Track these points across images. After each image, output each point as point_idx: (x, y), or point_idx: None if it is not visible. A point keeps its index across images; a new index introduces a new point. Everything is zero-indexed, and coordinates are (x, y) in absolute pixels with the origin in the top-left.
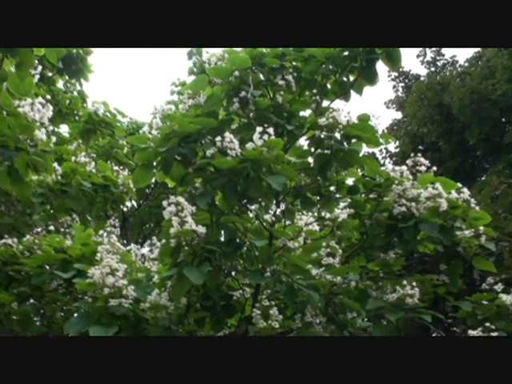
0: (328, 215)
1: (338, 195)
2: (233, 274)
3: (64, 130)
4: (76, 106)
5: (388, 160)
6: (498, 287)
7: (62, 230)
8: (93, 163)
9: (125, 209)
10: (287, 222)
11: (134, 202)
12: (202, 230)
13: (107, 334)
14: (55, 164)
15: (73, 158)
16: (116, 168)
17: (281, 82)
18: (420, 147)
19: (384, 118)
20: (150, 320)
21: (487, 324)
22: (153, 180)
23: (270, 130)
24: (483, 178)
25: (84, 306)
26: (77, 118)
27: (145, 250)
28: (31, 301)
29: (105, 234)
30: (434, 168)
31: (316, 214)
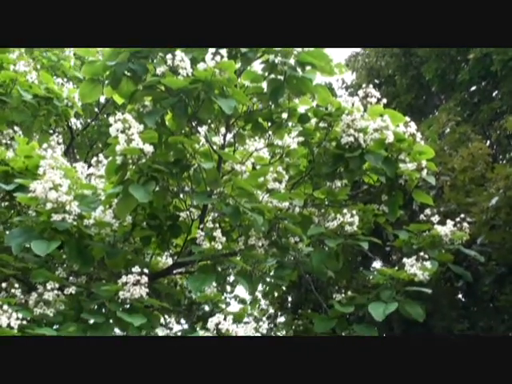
0: (278, 142)
1: (289, 122)
2: (180, 195)
3: None
4: None
5: (344, 91)
6: (435, 219)
7: (4, 141)
8: (34, 73)
9: (73, 127)
10: (238, 147)
11: (82, 121)
12: (149, 148)
13: (49, 249)
14: None
15: (12, 67)
16: (60, 80)
17: None
18: (376, 80)
19: (343, 48)
20: (94, 236)
21: (421, 253)
22: (103, 99)
23: (223, 52)
24: (436, 115)
25: (26, 220)
26: None
27: (92, 169)
28: None
29: (49, 149)
30: (385, 100)
31: (267, 140)
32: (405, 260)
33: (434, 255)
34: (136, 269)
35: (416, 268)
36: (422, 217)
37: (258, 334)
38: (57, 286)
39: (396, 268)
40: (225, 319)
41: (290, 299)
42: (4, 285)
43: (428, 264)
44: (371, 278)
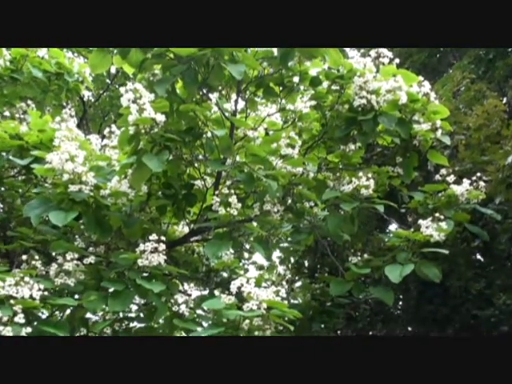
0: (290, 106)
1: (300, 86)
2: (194, 164)
3: None
4: None
5: (356, 52)
6: (450, 179)
7: (17, 116)
8: (45, 48)
9: (86, 99)
10: (250, 113)
11: (94, 92)
12: (160, 117)
13: (67, 219)
14: (4, 49)
15: None
16: (70, 55)
17: None
18: None
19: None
20: (111, 206)
21: (437, 214)
22: (113, 70)
23: None
24: (450, 73)
25: (44, 192)
26: None
27: (106, 140)
28: None
29: (62, 122)
30: (397, 60)
31: (279, 105)
32: (420, 221)
33: (449, 215)
34: (153, 237)
35: (432, 229)
36: (437, 177)
37: (278, 298)
38: (76, 256)
39: (412, 230)
40: (247, 282)
41: (306, 264)
42: (24, 257)
43: (444, 224)
44: (387, 240)
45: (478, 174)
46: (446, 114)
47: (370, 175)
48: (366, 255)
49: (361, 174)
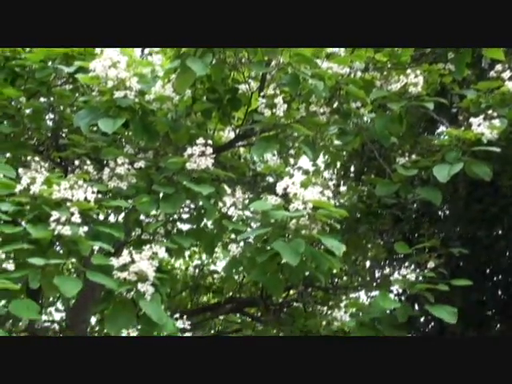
0: None
1: None
2: (239, 68)
3: None
4: None
5: None
6: (506, 75)
7: None
8: None
9: None
10: None
11: None
12: None
13: (115, 126)
14: None
15: None
16: None
17: None
18: None
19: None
20: (157, 112)
21: (490, 112)
22: None
23: None
24: None
25: (91, 101)
26: None
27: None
28: (40, 99)
29: None
30: None
31: None
32: (472, 119)
33: (503, 113)
34: (200, 141)
35: (483, 127)
36: (491, 74)
37: (324, 198)
38: (127, 160)
39: (462, 129)
40: (293, 184)
41: (352, 168)
42: (77, 162)
43: (497, 122)
44: (436, 142)
45: None
46: None
47: (418, 72)
48: (413, 156)
49: (409, 71)
